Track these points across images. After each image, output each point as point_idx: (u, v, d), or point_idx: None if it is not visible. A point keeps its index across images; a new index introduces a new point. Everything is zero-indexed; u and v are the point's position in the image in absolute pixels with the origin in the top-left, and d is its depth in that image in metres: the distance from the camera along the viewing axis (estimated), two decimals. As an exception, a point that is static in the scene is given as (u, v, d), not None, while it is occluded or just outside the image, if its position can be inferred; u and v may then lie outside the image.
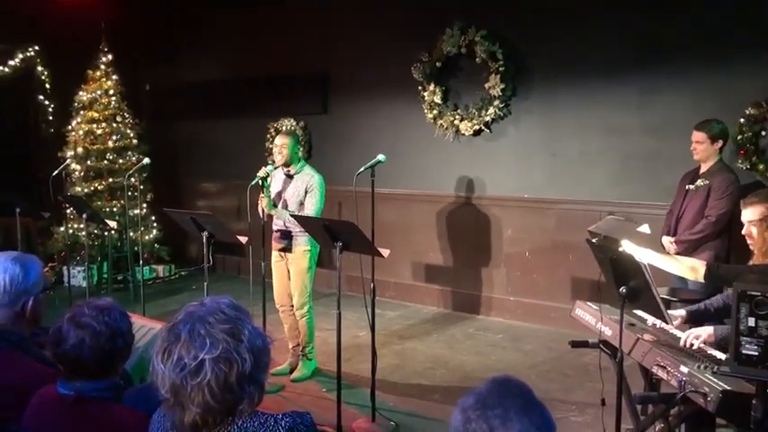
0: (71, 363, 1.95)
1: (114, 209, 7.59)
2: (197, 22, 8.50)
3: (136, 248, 7.14)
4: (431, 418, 4.25)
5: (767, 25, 4.86)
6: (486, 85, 6.09)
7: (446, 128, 6.44)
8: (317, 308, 5.33)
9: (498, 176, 6.32)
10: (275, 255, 4.86)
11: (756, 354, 2.14)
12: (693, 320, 3.17)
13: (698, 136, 4.61)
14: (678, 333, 3.07)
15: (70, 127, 7.85)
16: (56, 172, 6.59)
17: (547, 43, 5.89)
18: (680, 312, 3.20)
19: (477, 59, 6.12)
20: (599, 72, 5.66)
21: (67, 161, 7.42)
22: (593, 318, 3.40)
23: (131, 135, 7.93)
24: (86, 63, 7.86)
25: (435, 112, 6.48)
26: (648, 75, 5.40)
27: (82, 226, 6.80)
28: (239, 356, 1.48)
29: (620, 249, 3.06)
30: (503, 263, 6.34)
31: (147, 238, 7.82)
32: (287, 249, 4.80)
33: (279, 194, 4.82)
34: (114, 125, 7.81)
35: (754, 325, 2.14)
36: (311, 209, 4.69)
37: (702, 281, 3.33)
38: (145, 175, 7.59)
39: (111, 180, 7.67)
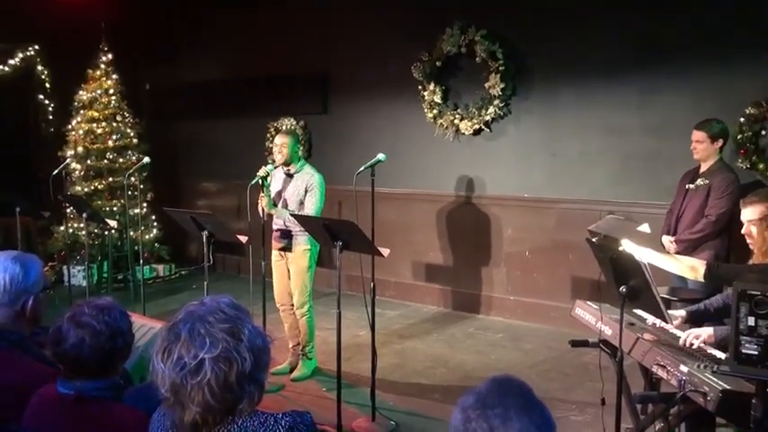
0: (71, 362, 1.95)
1: (114, 208, 7.60)
2: (197, 22, 8.50)
3: (136, 248, 7.13)
4: (431, 417, 4.25)
5: (767, 25, 4.86)
6: (486, 85, 6.09)
7: (446, 127, 6.44)
8: (318, 307, 5.33)
9: (498, 176, 6.32)
10: (275, 254, 4.86)
11: (756, 353, 2.14)
12: (693, 320, 3.17)
13: (698, 135, 4.61)
14: (678, 333, 3.07)
15: (70, 126, 7.85)
16: (56, 171, 6.59)
17: (547, 43, 5.89)
18: (680, 313, 3.20)
19: (477, 59, 6.12)
20: (599, 72, 5.66)
21: (67, 160, 7.43)
22: (593, 317, 3.40)
23: (131, 134, 7.93)
24: (86, 62, 7.86)
25: (435, 111, 6.48)
26: (648, 75, 5.40)
27: (82, 225, 6.80)
28: (239, 356, 1.49)
29: (620, 249, 3.06)
30: (503, 262, 6.34)
31: (147, 237, 7.82)
32: (287, 248, 4.80)
33: (279, 194, 4.82)
34: (114, 124, 7.82)
35: (753, 324, 2.14)
36: (311, 208, 4.69)
37: (702, 280, 3.34)
38: (145, 174, 7.59)
39: (111, 179, 7.68)
